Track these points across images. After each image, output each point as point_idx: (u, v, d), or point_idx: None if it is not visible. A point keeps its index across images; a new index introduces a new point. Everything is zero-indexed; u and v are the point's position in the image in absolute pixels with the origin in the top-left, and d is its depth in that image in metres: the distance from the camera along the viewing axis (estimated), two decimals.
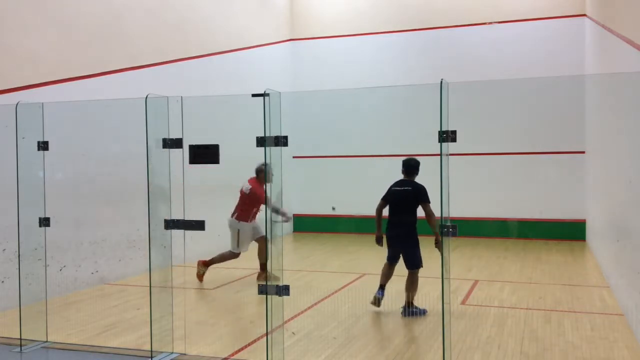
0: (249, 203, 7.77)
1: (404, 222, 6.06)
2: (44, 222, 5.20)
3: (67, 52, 7.43)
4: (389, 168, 12.67)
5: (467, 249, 10.53)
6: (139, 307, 6.46)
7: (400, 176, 6.30)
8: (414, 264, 6.05)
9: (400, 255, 6.17)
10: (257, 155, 4.40)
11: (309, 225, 13.46)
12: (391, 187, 6.25)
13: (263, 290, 4.32)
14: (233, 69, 11.24)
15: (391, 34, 13.33)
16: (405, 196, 6.07)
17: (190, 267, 8.56)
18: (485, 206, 12.20)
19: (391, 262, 6.23)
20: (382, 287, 6.14)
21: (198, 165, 4.75)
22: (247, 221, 7.82)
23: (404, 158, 6.44)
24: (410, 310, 5.99)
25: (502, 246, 11.10)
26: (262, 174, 7.71)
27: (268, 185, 5.57)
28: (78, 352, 4.96)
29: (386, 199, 6.21)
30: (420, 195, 6.02)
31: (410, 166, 6.26)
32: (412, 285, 6.04)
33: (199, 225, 4.70)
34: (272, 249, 4.42)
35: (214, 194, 9.84)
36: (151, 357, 4.70)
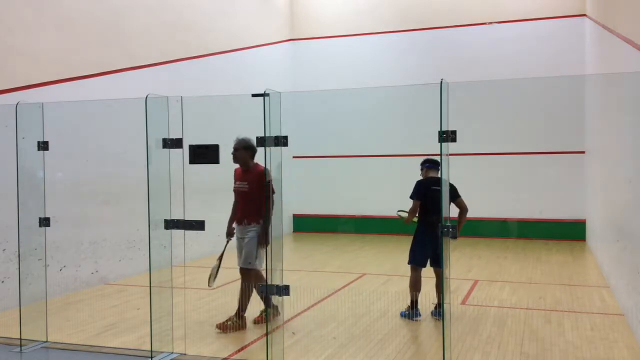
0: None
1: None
2: (44, 222, 5.20)
3: (67, 52, 7.43)
4: (389, 168, 12.84)
5: (467, 249, 10.53)
6: (139, 307, 6.45)
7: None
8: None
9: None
10: (257, 155, 4.40)
11: (309, 225, 13.46)
12: (430, 186, 5.96)
13: (263, 290, 4.32)
14: (233, 69, 11.24)
15: (391, 34, 13.33)
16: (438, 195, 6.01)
17: (190, 267, 8.56)
18: (485, 206, 12.18)
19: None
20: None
21: (198, 165, 4.75)
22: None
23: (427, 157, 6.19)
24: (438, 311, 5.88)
25: (502, 246, 11.10)
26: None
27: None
28: (78, 352, 4.96)
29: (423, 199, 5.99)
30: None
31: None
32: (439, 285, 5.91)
33: (199, 225, 4.70)
34: (273, 249, 4.41)
35: (214, 194, 9.84)
36: (151, 357, 4.70)
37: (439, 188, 5.89)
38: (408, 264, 6.07)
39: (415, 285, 5.97)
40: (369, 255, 10.55)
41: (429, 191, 5.90)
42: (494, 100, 12.41)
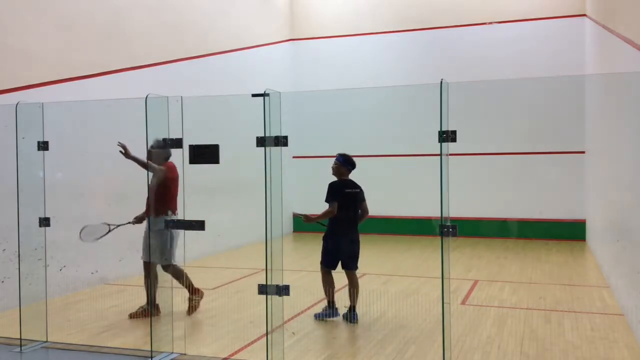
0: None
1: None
2: (44, 222, 5.20)
3: (67, 52, 7.43)
4: (389, 168, 12.84)
5: (467, 249, 10.53)
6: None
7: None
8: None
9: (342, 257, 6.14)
10: (257, 155, 4.40)
11: (309, 225, 13.40)
12: (344, 188, 6.09)
13: (263, 290, 4.32)
14: (233, 69, 11.23)
15: (391, 34, 13.33)
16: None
17: (191, 267, 8.56)
18: (485, 206, 12.20)
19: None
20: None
21: (198, 165, 4.75)
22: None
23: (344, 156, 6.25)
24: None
25: (502, 246, 11.10)
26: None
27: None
28: (78, 352, 4.96)
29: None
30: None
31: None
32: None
33: (199, 225, 4.70)
34: (273, 249, 4.41)
35: (214, 194, 9.85)
36: (151, 357, 4.70)
37: (352, 191, 6.08)
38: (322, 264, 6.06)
39: (331, 284, 5.98)
40: (369, 255, 10.53)
41: (344, 194, 6.00)
42: (494, 100, 12.41)
